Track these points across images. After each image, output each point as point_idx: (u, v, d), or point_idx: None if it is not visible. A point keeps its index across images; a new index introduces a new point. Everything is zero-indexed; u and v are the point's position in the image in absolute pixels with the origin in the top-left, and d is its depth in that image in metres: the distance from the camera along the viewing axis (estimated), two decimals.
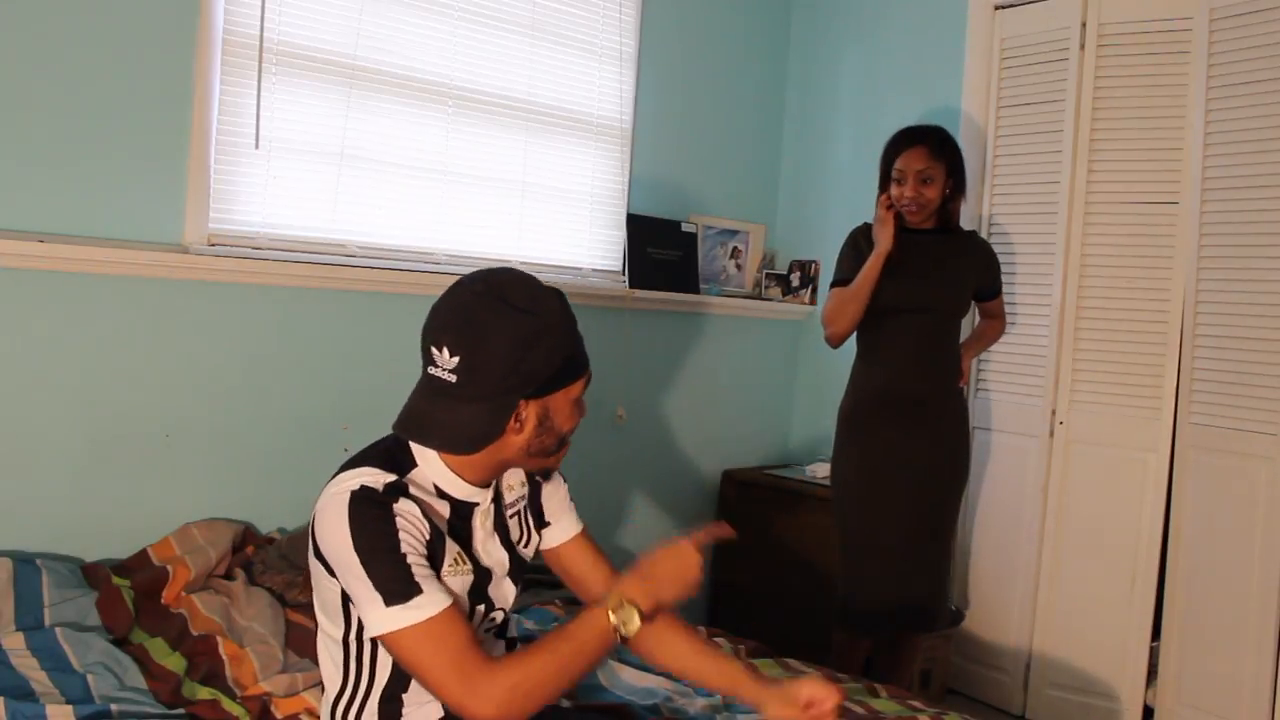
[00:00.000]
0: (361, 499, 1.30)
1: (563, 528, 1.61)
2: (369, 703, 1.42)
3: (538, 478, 1.56)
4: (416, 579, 1.27)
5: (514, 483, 1.55)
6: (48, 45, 2.19)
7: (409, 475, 1.38)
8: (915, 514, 2.65)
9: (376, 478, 1.34)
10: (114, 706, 1.75)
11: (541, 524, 1.60)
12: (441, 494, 1.41)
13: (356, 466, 1.36)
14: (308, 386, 2.58)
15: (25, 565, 2.06)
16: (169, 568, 2.20)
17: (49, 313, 2.21)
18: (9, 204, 2.15)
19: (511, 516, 1.54)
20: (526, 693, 1.25)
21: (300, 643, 2.06)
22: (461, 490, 1.42)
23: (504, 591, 1.49)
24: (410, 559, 1.29)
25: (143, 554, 2.25)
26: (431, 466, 1.40)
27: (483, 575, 1.44)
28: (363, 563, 1.28)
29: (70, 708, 1.70)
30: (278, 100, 2.52)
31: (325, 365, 2.61)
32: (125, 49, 2.29)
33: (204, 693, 1.88)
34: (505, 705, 1.24)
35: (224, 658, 1.99)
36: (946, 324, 2.69)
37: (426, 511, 1.36)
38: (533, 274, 1.42)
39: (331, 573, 1.34)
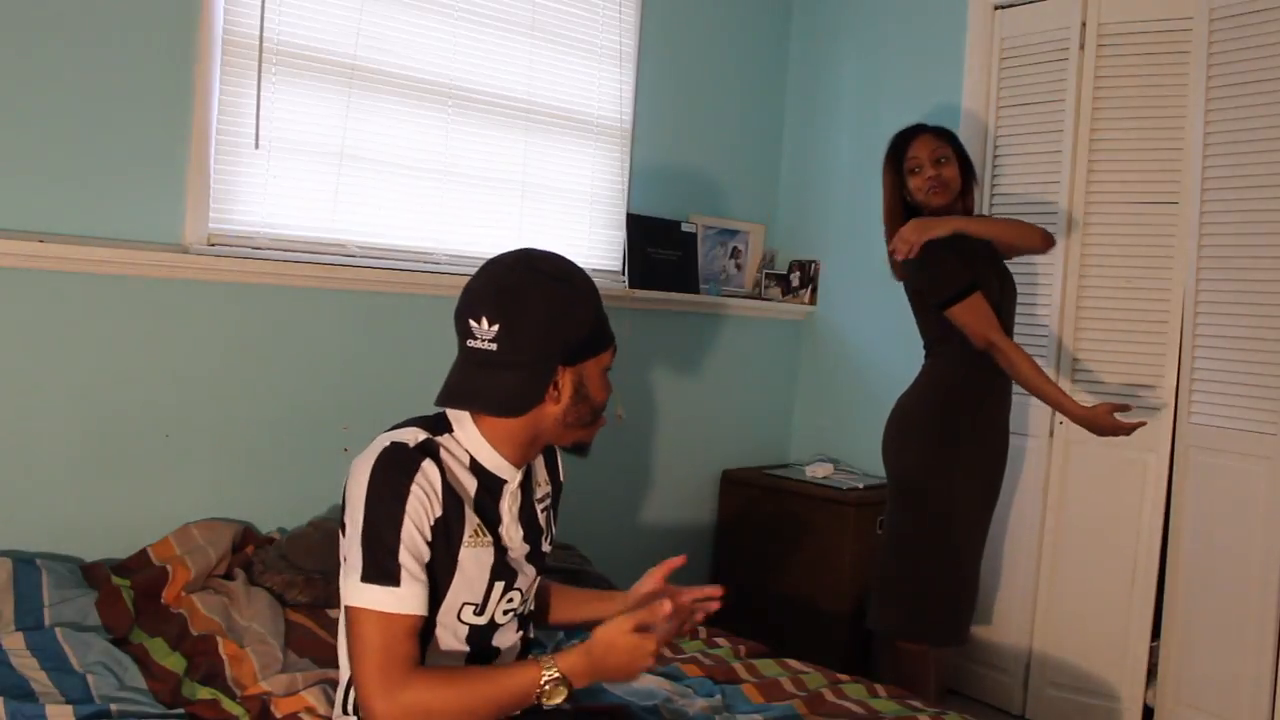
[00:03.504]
0: (389, 459, 1.35)
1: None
2: None
3: (575, 454, 1.58)
4: (401, 567, 1.31)
5: (541, 479, 1.58)
6: (48, 45, 2.19)
7: (444, 437, 1.42)
8: (973, 518, 2.63)
9: (411, 435, 1.39)
10: (114, 706, 1.75)
11: (550, 534, 1.61)
12: (474, 465, 1.43)
13: (397, 429, 1.42)
14: (308, 386, 2.58)
15: (25, 565, 2.06)
16: (169, 568, 2.20)
17: (49, 313, 2.21)
18: (9, 204, 2.16)
19: (542, 511, 1.56)
20: (424, 716, 1.29)
21: (300, 643, 2.06)
22: (494, 463, 1.44)
23: (524, 571, 1.50)
24: (403, 551, 1.31)
25: (142, 554, 2.25)
26: (467, 432, 1.43)
27: (501, 552, 1.45)
28: (363, 530, 1.32)
29: (70, 708, 1.70)
30: (278, 100, 2.52)
31: (325, 365, 2.61)
32: (125, 49, 2.29)
33: (204, 693, 1.88)
34: (397, 718, 1.28)
35: (224, 658, 1.99)
36: (1009, 329, 2.61)
37: (450, 481, 1.38)
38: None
39: None
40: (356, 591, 1.31)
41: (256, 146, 2.48)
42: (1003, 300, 2.56)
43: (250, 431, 2.50)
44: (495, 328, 1.36)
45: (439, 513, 1.36)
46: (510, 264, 1.41)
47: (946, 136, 2.62)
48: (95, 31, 2.25)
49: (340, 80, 2.63)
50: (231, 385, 2.46)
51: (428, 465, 1.36)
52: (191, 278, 2.38)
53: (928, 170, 2.56)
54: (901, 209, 2.63)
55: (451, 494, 1.38)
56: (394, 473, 1.34)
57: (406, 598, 1.31)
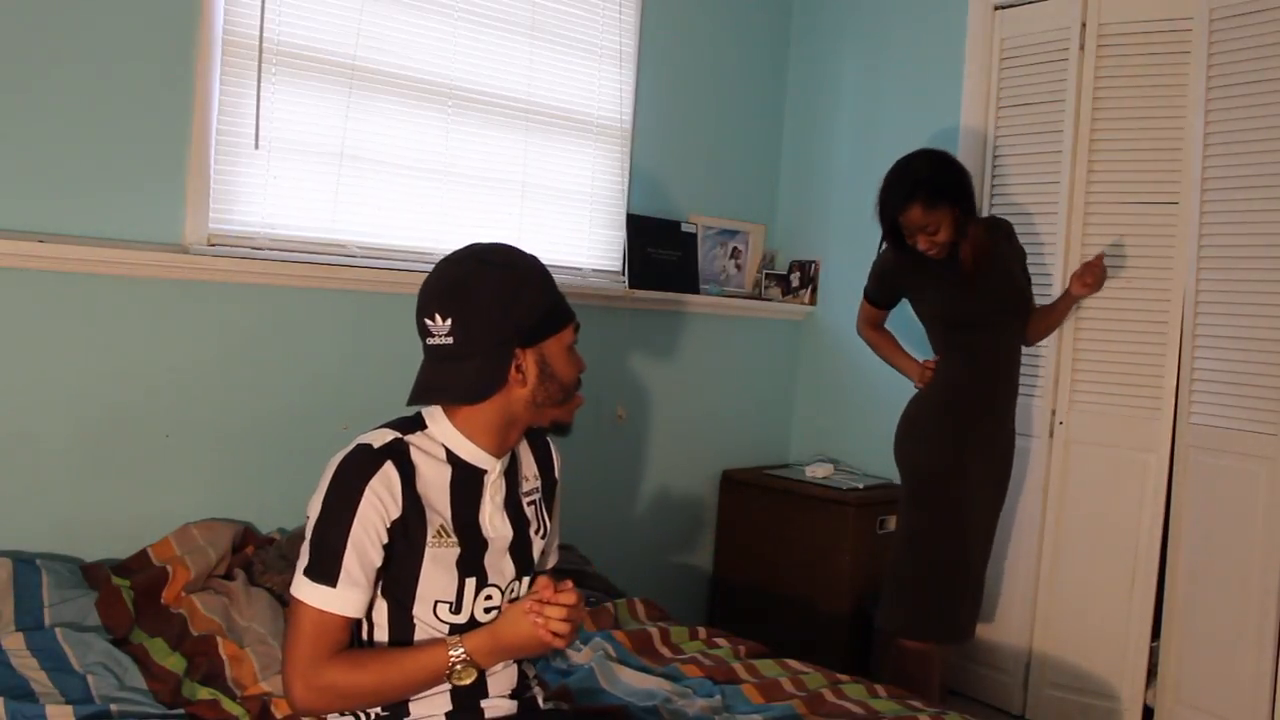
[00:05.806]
0: (350, 462, 1.40)
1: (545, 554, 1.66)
2: None
3: (556, 434, 1.60)
4: (341, 570, 1.36)
5: (530, 473, 1.60)
6: (48, 45, 2.19)
7: (416, 434, 1.45)
8: (983, 518, 2.69)
9: (379, 437, 1.43)
10: (114, 707, 1.75)
11: (542, 527, 1.60)
12: (450, 457, 1.46)
13: (371, 431, 1.46)
14: (308, 386, 2.58)
15: (25, 565, 2.06)
16: (169, 568, 2.20)
17: (49, 313, 2.21)
18: (9, 204, 2.16)
19: (529, 504, 1.57)
20: (337, 696, 1.37)
21: None
22: (471, 454, 1.47)
23: (502, 567, 1.50)
24: (348, 554, 1.36)
25: (142, 554, 2.25)
26: (442, 427, 1.47)
27: (479, 546, 1.46)
28: (315, 528, 1.39)
29: (70, 708, 1.70)
30: (278, 100, 2.52)
31: (325, 365, 2.61)
32: (125, 49, 2.29)
33: (204, 693, 1.88)
34: (312, 699, 1.37)
35: (224, 658, 1.99)
36: (1009, 329, 2.69)
37: (415, 481, 1.41)
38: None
39: None
40: (298, 583, 1.38)
41: (256, 147, 2.48)
42: (947, 308, 2.67)
43: (250, 431, 2.49)
44: (449, 322, 1.41)
45: (396, 514, 1.39)
46: (457, 260, 1.46)
47: (938, 200, 2.51)
48: (95, 32, 2.24)
49: (340, 80, 2.63)
50: (231, 385, 2.46)
51: (388, 468, 1.39)
52: (191, 278, 2.38)
53: (920, 243, 2.59)
54: (898, 250, 2.67)
55: (413, 495, 1.40)
56: (350, 476, 1.38)
57: (340, 599, 1.36)
